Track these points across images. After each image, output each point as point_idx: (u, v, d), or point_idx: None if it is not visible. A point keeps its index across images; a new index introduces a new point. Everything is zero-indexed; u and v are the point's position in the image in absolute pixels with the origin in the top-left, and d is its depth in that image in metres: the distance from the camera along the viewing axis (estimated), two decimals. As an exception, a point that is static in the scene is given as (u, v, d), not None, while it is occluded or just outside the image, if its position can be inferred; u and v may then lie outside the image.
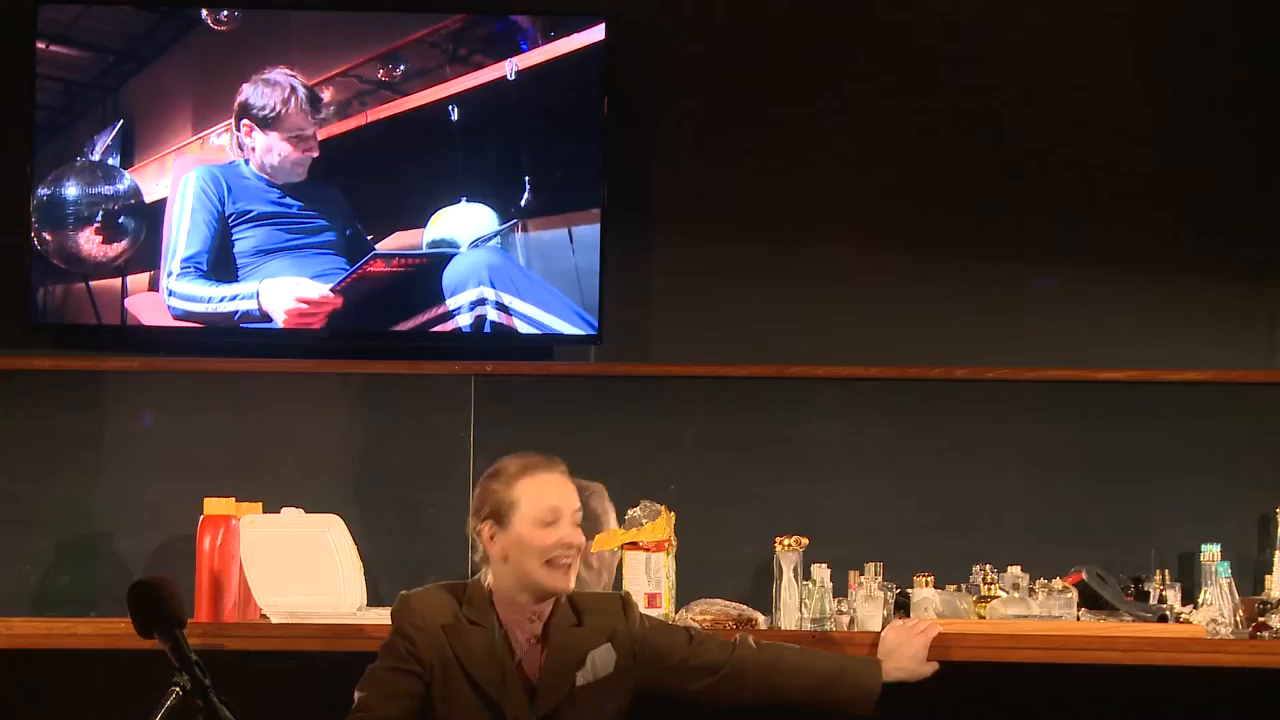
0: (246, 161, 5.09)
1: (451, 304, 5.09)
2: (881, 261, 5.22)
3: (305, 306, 5.07)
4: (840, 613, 4.66)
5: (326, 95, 5.11)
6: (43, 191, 5.06)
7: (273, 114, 5.08)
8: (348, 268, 5.08)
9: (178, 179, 5.09)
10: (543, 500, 3.88)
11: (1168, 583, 4.79)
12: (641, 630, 4.05)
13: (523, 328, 5.09)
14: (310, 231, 5.10)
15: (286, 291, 5.07)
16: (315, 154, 5.09)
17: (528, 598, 3.91)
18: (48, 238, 5.07)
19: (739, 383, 5.14)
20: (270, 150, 5.09)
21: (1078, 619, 4.60)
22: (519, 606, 3.92)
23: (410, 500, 5.09)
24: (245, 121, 5.08)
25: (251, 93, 5.08)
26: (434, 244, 5.10)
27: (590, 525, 4.53)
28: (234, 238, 5.09)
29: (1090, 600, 4.66)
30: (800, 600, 4.65)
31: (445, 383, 5.13)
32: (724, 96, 5.24)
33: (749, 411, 5.14)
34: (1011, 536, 5.03)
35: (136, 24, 5.11)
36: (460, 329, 5.09)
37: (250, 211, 5.09)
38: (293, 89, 5.08)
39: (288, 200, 5.10)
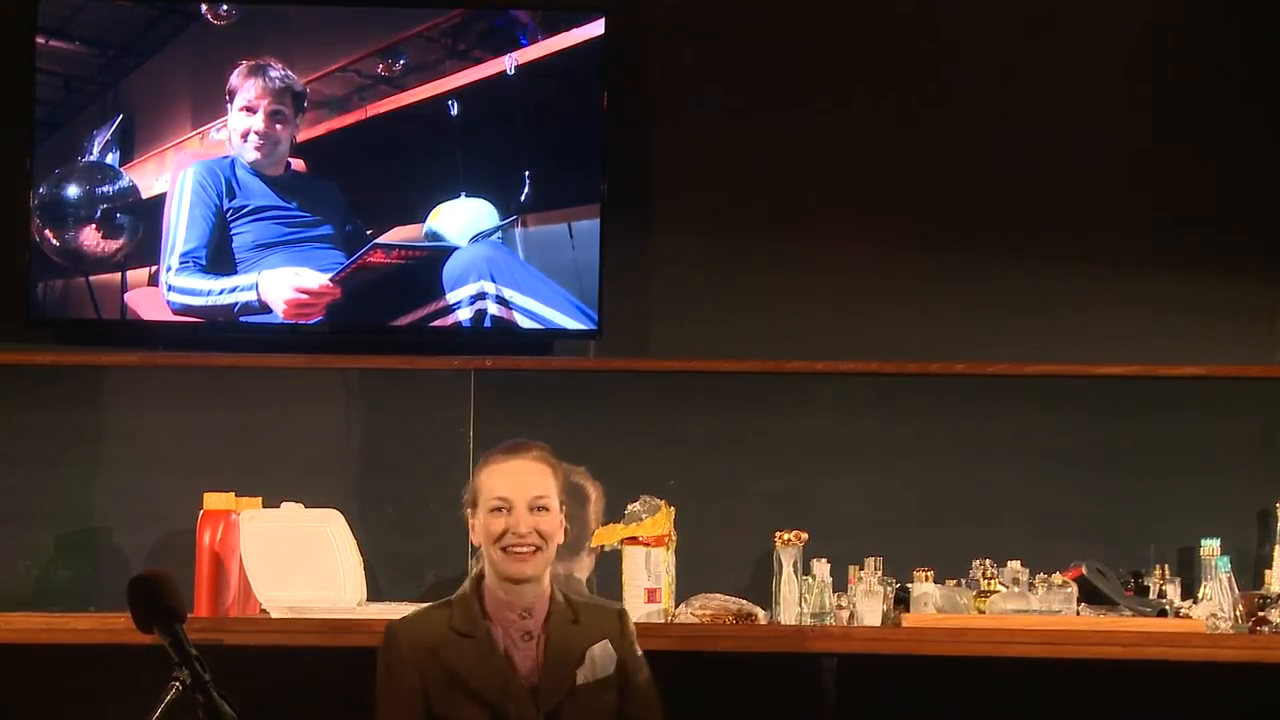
0: (244, 156, 5.09)
1: (451, 298, 5.09)
2: (881, 256, 5.22)
3: (304, 297, 5.07)
4: (840, 608, 4.67)
5: (325, 90, 5.10)
6: (42, 187, 5.06)
7: (260, 103, 5.08)
8: (346, 261, 5.08)
9: (176, 174, 5.09)
10: (493, 488, 3.93)
11: (1167, 577, 4.80)
12: (630, 653, 4.02)
13: (523, 322, 5.09)
14: (309, 225, 5.10)
15: (285, 282, 5.07)
16: (306, 146, 5.09)
17: (503, 588, 3.92)
18: (48, 233, 5.06)
19: (739, 378, 5.14)
20: (264, 143, 5.09)
21: (1077, 614, 4.61)
22: (503, 601, 3.93)
23: (410, 495, 5.09)
24: (239, 110, 5.08)
25: (238, 82, 5.08)
26: (434, 239, 5.10)
27: (576, 502, 4.55)
28: (232, 232, 5.09)
29: (1090, 595, 4.66)
30: (800, 595, 4.66)
31: (445, 377, 5.13)
32: (723, 92, 5.24)
33: (749, 406, 5.13)
34: (1011, 531, 5.03)
35: (136, 19, 5.11)
36: (460, 324, 5.09)
37: (248, 206, 5.09)
38: (280, 79, 5.08)
39: (286, 195, 5.10)
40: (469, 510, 3.99)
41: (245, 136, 5.09)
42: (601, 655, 3.96)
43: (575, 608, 4.00)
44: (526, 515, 3.90)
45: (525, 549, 3.89)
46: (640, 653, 4.03)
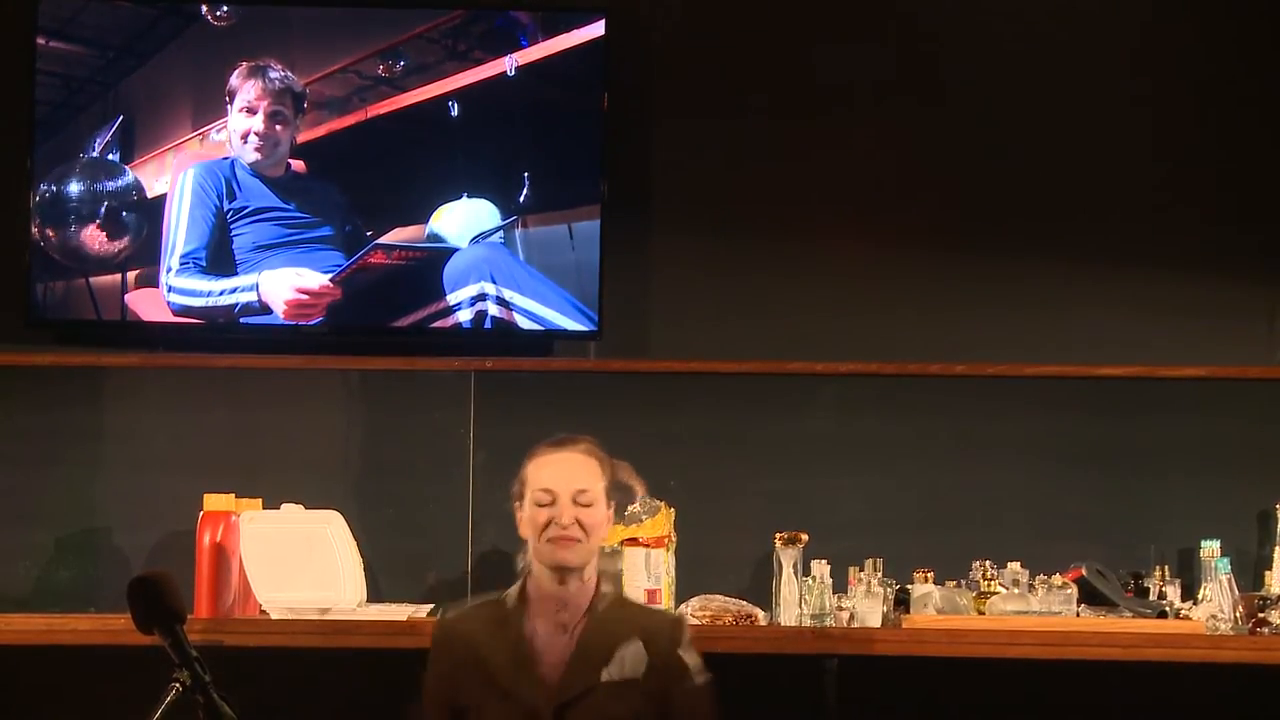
0: (244, 157, 5.09)
1: (452, 299, 5.09)
2: (881, 257, 5.22)
3: (305, 298, 5.07)
4: (840, 609, 4.66)
5: (326, 91, 5.10)
6: (44, 187, 5.06)
7: (260, 104, 5.08)
8: (347, 262, 5.08)
9: (176, 175, 5.09)
10: (538, 480, 3.97)
11: (1167, 579, 4.80)
12: (679, 661, 3.99)
13: (523, 323, 5.09)
14: (309, 226, 5.10)
15: (285, 283, 5.07)
16: (306, 147, 5.09)
17: (548, 577, 3.93)
18: (49, 234, 5.06)
19: (739, 378, 5.14)
20: (264, 144, 5.09)
21: (1077, 615, 4.61)
22: (547, 592, 3.94)
23: (410, 496, 5.09)
24: (239, 111, 5.08)
25: (238, 83, 5.08)
26: (435, 239, 5.10)
27: (622, 498, 4.52)
28: (233, 233, 5.09)
29: (1090, 596, 4.66)
30: (800, 596, 4.66)
31: (445, 379, 5.13)
32: (723, 92, 5.23)
33: (749, 407, 5.13)
34: (1011, 532, 5.03)
35: (136, 19, 5.11)
36: (460, 324, 5.09)
37: (248, 207, 5.09)
38: (280, 80, 5.08)
39: (286, 196, 5.10)
40: (516, 503, 4.01)
41: (245, 137, 5.09)
42: (633, 658, 3.95)
43: (626, 609, 4.00)
44: (570, 507, 3.92)
45: (568, 538, 3.91)
46: (696, 662, 4.00)
